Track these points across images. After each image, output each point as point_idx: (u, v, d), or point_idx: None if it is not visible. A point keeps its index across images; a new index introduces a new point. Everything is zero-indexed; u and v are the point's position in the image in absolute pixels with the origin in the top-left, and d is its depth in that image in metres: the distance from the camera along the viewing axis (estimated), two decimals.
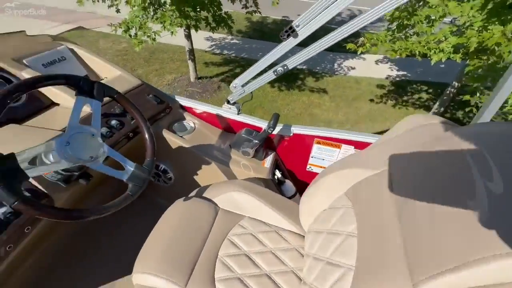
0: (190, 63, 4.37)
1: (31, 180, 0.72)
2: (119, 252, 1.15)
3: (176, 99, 1.28)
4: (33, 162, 0.59)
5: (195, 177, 1.25)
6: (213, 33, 3.40)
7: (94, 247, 1.17)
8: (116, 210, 0.69)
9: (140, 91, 1.14)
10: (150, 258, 0.75)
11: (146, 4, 2.78)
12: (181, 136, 1.18)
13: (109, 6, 3.21)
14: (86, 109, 0.73)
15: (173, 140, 1.15)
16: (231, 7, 3.46)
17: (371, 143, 0.84)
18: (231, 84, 1.11)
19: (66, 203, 0.83)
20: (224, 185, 0.96)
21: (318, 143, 1.18)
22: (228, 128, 1.30)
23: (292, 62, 0.97)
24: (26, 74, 0.90)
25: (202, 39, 5.80)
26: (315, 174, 1.27)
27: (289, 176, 1.38)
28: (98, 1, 3.18)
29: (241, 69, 5.13)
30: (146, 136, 0.83)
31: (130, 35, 3.16)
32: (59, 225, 1.07)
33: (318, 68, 5.26)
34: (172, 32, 2.82)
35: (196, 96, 4.27)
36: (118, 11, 3.23)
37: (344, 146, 1.14)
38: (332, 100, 4.45)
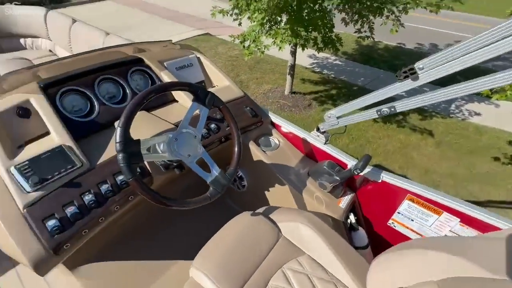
0: (288, 77, 4.55)
1: (158, 158, 0.87)
2: (183, 238, 1.29)
3: (269, 114, 1.35)
4: (149, 150, 0.73)
5: (266, 192, 1.28)
6: (318, 52, 3.44)
7: (166, 228, 1.34)
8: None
9: (241, 102, 1.26)
10: (210, 260, 0.80)
11: (264, 21, 3.08)
12: (264, 151, 1.23)
13: (234, 20, 3.71)
14: (195, 112, 0.85)
15: (256, 153, 1.21)
16: (343, 29, 3.42)
17: (493, 226, 0.65)
18: (326, 113, 1.09)
19: (160, 184, 0.98)
20: (292, 213, 0.94)
21: (411, 200, 1.01)
22: (311, 154, 1.28)
23: (403, 106, 0.87)
24: (164, 75, 1.13)
25: (305, 56, 5.94)
26: (397, 232, 1.09)
27: (364, 225, 1.23)
28: (226, 15, 3.71)
29: (336, 91, 4.98)
30: (236, 148, 0.90)
31: (244, 46, 3.55)
32: (149, 202, 1.28)
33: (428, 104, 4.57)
34: (280, 48, 3.01)
35: (285, 109, 4.39)
36: (240, 24, 3.69)
37: (446, 214, 0.93)
38: (438, 146, 3.76)
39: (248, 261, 0.81)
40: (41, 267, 0.72)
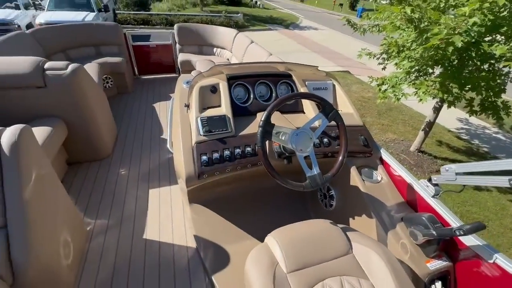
0: (420, 133, 4.07)
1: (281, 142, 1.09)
2: (267, 222, 1.51)
3: (381, 151, 1.38)
4: (277, 134, 0.99)
5: (350, 219, 1.31)
6: (470, 116, 2.93)
7: (259, 208, 1.60)
8: (288, 188, 0.98)
9: (357, 130, 1.37)
10: (284, 236, 0.95)
11: (412, 70, 2.95)
12: (363, 180, 1.28)
13: (379, 64, 3.74)
14: (317, 123, 1.05)
15: (355, 179, 1.28)
16: None
17: None
18: (443, 166, 1.03)
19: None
20: (369, 240, 0.97)
21: None
22: (413, 203, 1.21)
23: None
24: (302, 90, 1.43)
25: (452, 116, 5.12)
26: None
27: None
28: (373, 58, 3.80)
29: None
30: (340, 158, 1.03)
31: (379, 89, 3.52)
32: (257, 177, 1.57)
33: None
34: (421, 100, 2.79)
35: (404, 165, 3.94)
36: (384, 69, 3.68)
37: None
38: None
39: (313, 255, 0.91)
40: (188, 182, 1.11)
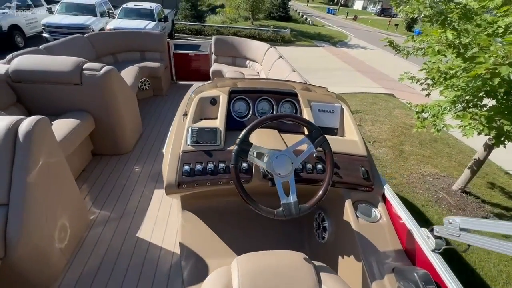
0: (466, 171, 3.56)
1: (258, 163, 1.03)
2: (252, 240, 1.44)
3: (385, 187, 1.22)
4: (255, 154, 0.95)
5: (339, 258, 1.18)
6: None
7: (247, 225, 1.54)
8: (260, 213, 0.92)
9: (359, 160, 1.24)
10: (250, 264, 0.89)
11: (460, 99, 2.60)
12: (357, 217, 1.15)
13: (422, 89, 3.41)
14: (303, 147, 0.98)
15: (348, 215, 1.15)
16: None
17: None
18: (446, 217, 0.87)
19: (252, 187, 1.19)
20: (344, 287, 0.85)
21: None
22: (411, 253, 1.04)
23: None
24: (305, 111, 1.36)
25: (510, 156, 4.40)
26: None
27: None
28: (416, 82, 3.49)
29: None
30: (320, 192, 0.94)
31: (418, 117, 3.20)
32: (255, 194, 1.53)
33: None
34: (465, 134, 2.45)
35: (442, 205, 3.48)
36: (428, 95, 3.34)
37: None
38: None
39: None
40: (168, 189, 1.12)
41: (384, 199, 1.22)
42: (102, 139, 2.17)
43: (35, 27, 8.74)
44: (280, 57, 3.02)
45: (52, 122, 1.80)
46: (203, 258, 1.38)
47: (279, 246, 1.50)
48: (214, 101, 1.35)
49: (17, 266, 1.10)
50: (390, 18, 29.47)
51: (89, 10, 8.94)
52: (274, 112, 1.39)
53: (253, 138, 1.26)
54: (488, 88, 2.12)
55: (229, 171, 1.14)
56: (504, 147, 2.34)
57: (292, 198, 0.92)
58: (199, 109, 1.34)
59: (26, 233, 1.09)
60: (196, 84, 1.54)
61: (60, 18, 8.14)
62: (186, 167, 1.12)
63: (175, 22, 12.65)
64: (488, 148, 3.23)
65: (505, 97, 2.22)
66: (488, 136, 2.95)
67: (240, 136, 0.92)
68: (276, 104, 1.41)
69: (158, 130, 2.76)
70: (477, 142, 3.58)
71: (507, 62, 1.57)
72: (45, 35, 7.81)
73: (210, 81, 1.41)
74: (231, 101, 1.38)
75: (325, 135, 1.03)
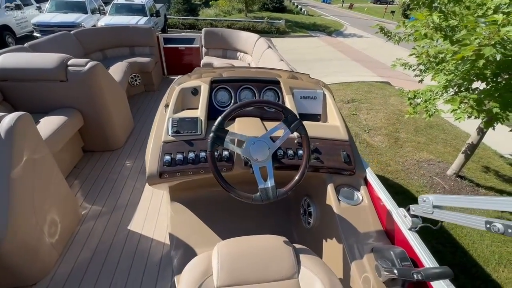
0: (460, 156, 3.58)
1: (235, 149, 1.03)
2: (237, 225, 1.46)
3: (367, 171, 1.23)
4: (232, 141, 0.95)
5: (323, 241, 1.20)
6: None
7: (235, 213, 1.56)
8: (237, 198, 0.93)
9: (340, 145, 1.24)
10: (231, 248, 0.91)
11: (452, 84, 2.58)
12: (339, 200, 1.16)
13: (415, 75, 3.39)
14: (281, 132, 0.99)
15: (331, 199, 1.17)
16: None
17: None
18: (421, 196, 0.88)
19: (234, 175, 1.20)
20: (321, 268, 0.87)
21: None
22: (391, 233, 1.06)
23: None
24: (286, 98, 1.36)
25: (508, 139, 4.40)
26: None
27: None
28: (408, 69, 3.46)
29: None
30: (296, 177, 0.95)
31: (410, 103, 3.20)
32: (242, 183, 1.54)
33: None
34: (458, 118, 2.43)
35: (437, 190, 3.50)
36: (421, 81, 3.33)
37: None
38: None
39: (252, 273, 0.84)
40: (150, 179, 1.13)
41: (366, 182, 1.23)
42: (92, 135, 2.18)
43: (25, 26, 8.64)
44: (269, 47, 2.99)
45: (40, 120, 1.80)
46: (192, 247, 1.40)
47: (267, 233, 1.53)
48: (195, 91, 1.35)
49: (5, 261, 1.12)
50: (386, 6, 29.07)
51: (80, 7, 8.81)
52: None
53: (235, 126, 1.26)
54: (477, 70, 2.11)
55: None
56: (493, 129, 2.34)
57: (270, 183, 0.93)
58: (180, 100, 1.34)
59: (12, 229, 1.11)
60: (181, 76, 1.53)
61: (50, 17, 8.03)
62: (167, 157, 1.13)
63: (168, 17, 12.49)
64: (481, 132, 3.23)
65: (494, 79, 2.22)
66: (482, 119, 2.95)
67: (216, 123, 0.92)
68: (258, 92, 1.41)
69: (149, 125, 2.75)
70: (474, 127, 3.58)
71: (491, 43, 1.56)
72: (36, 34, 7.72)
73: (191, 72, 1.41)
74: (212, 90, 1.38)
75: (308, 121, 1.03)
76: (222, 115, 0.93)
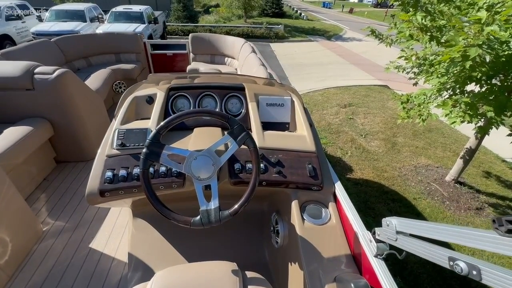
0: (459, 161, 3.42)
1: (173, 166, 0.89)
2: (216, 246, 1.35)
3: (336, 186, 1.11)
4: (170, 156, 0.84)
5: (289, 264, 1.08)
6: None
7: (204, 230, 1.44)
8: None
9: (306, 157, 1.12)
10: (171, 279, 0.80)
11: (448, 87, 2.44)
12: (303, 219, 1.04)
13: (409, 78, 3.26)
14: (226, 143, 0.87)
15: (294, 217, 1.05)
16: None
17: None
18: (384, 219, 0.76)
19: (187, 192, 1.09)
20: None
21: None
22: (358, 258, 0.93)
23: (496, 279, 0.46)
24: (250, 106, 1.25)
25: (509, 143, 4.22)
26: None
27: None
28: (402, 71, 3.35)
29: None
30: (244, 196, 0.83)
31: (403, 107, 3.07)
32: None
33: None
34: (453, 122, 2.29)
35: (435, 198, 3.34)
36: (415, 84, 3.20)
37: None
38: None
39: None
40: (89, 198, 1.03)
41: (334, 196, 1.11)
42: (64, 145, 2.09)
43: (26, 35, 8.74)
44: (253, 51, 2.90)
45: (3, 130, 1.72)
46: (152, 268, 1.29)
47: (237, 252, 1.40)
48: (150, 99, 1.25)
49: None
50: (386, 9, 28.99)
51: (79, 16, 8.90)
52: (218, 109, 1.28)
53: (192, 138, 1.15)
54: (467, 73, 1.98)
55: (159, 175, 1.03)
56: (488, 134, 2.20)
57: (213, 204, 0.82)
58: (133, 109, 1.24)
59: None
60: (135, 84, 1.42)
61: (49, 26, 8.11)
62: (109, 174, 1.02)
63: (167, 24, 12.56)
64: (480, 136, 3.07)
65: (488, 81, 2.08)
66: (476, 124, 2.80)
67: (149, 137, 0.82)
68: (220, 100, 1.30)
69: None
70: (473, 130, 3.43)
71: (477, 43, 1.44)
72: None
73: (145, 80, 1.31)
74: (169, 99, 1.27)
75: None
76: (157, 128, 0.83)
